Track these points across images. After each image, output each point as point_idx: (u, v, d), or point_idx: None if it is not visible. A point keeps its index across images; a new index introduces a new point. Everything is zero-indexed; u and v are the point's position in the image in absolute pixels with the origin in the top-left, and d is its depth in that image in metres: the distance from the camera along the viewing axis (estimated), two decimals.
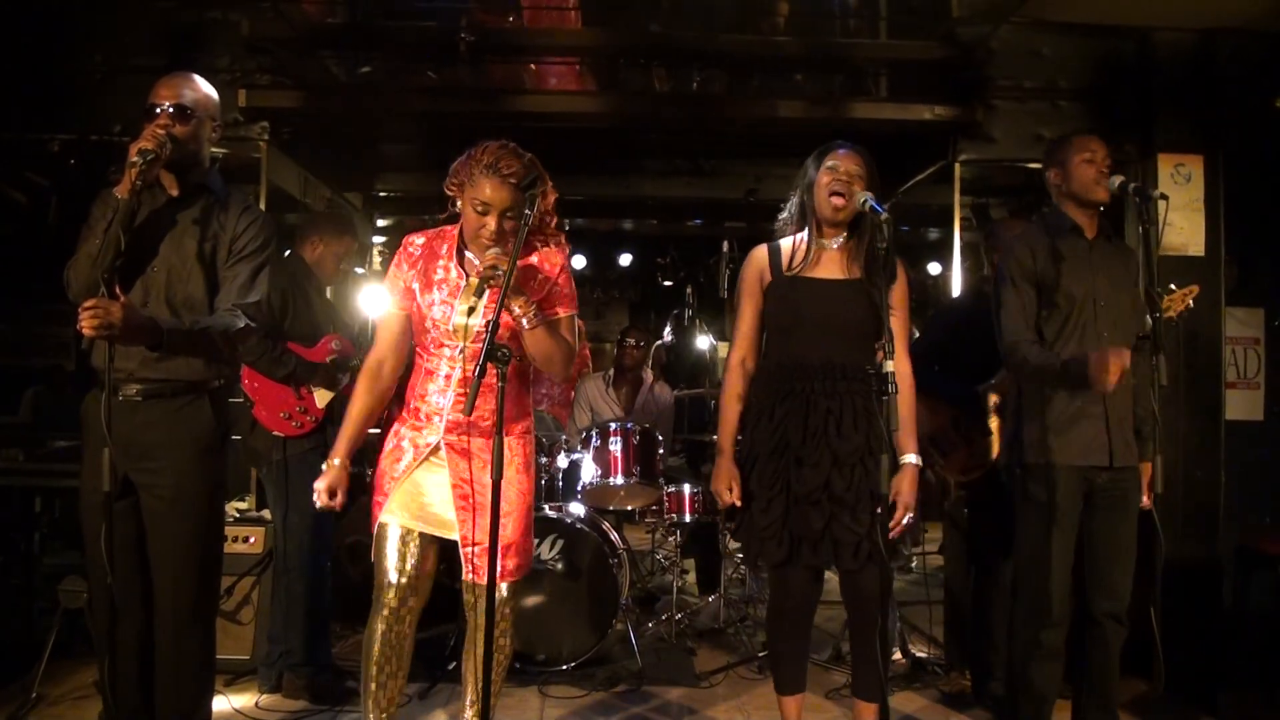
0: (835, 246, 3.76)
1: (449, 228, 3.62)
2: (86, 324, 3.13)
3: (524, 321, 3.32)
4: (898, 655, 5.47)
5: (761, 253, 3.84)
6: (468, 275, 3.50)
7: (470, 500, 3.49)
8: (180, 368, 3.51)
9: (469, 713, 3.61)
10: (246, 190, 5.84)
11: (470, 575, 3.51)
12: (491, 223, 3.34)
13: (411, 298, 3.56)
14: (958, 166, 6.06)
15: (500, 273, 3.17)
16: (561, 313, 3.53)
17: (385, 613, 3.49)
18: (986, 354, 4.34)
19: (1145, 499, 3.96)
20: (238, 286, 3.57)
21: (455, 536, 3.52)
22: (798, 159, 3.83)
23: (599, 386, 7.17)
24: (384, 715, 3.53)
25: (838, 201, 3.62)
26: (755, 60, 6.17)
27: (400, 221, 9.72)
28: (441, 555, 3.61)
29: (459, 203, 3.47)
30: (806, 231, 3.77)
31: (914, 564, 7.50)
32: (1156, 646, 3.66)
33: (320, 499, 3.51)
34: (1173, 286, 4.34)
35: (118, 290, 3.27)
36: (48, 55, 5.76)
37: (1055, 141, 4.25)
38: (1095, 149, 4.04)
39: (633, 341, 7.23)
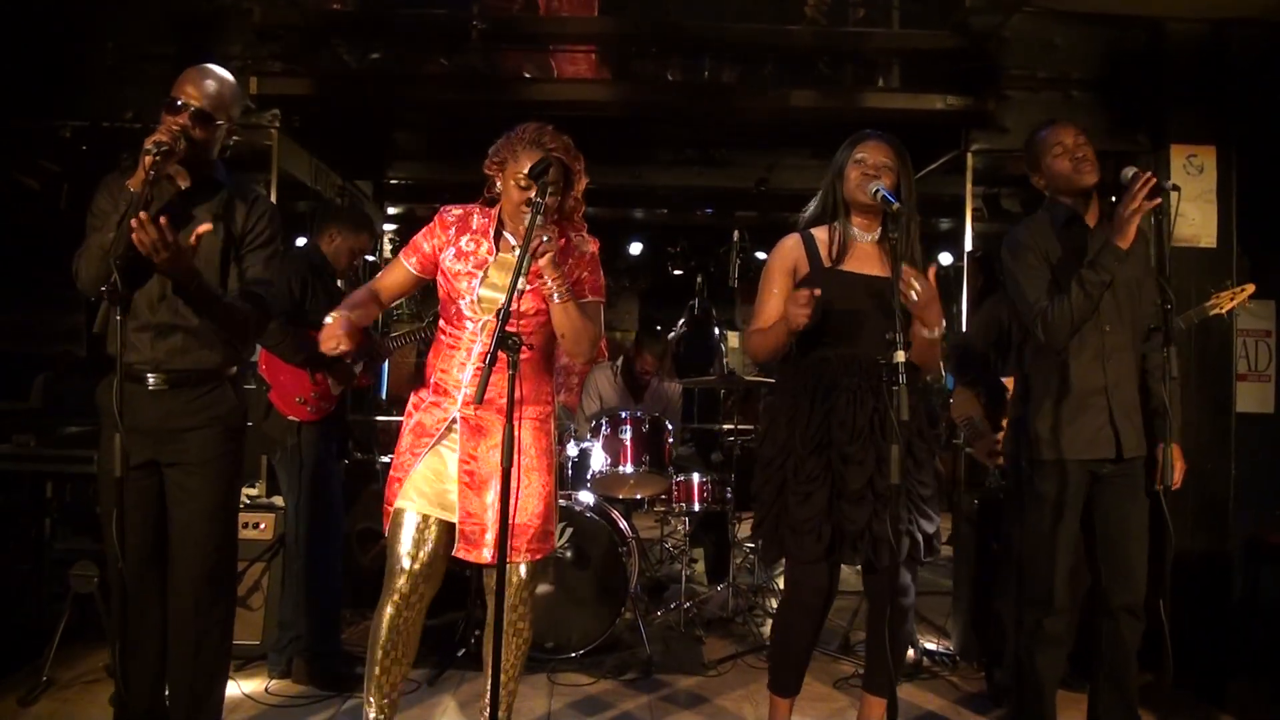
0: (869, 240, 3.74)
1: (489, 208, 3.65)
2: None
3: (555, 296, 3.33)
4: (910, 653, 5.47)
5: (795, 242, 3.77)
6: (498, 252, 3.56)
7: (475, 477, 3.51)
8: (202, 357, 3.54)
9: (489, 696, 3.62)
10: (257, 178, 5.88)
11: (460, 551, 3.53)
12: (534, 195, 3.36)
13: (435, 263, 3.60)
14: (969, 157, 6.05)
15: (549, 240, 3.22)
16: (590, 296, 3.56)
17: (396, 599, 3.52)
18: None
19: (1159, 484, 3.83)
20: (251, 275, 3.58)
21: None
22: (809, 149, 3.83)
23: (608, 376, 7.16)
24: (385, 700, 3.56)
25: (868, 189, 3.57)
26: (767, 50, 6.15)
27: (411, 210, 9.74)
28: (455, 542, 3.64)
29: (497, 184, 3.52)
30: (839, 223, 3.73)
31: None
32: (1165, 638, 3.64)
33: (326, 345, 3.40)
34: (1228, 282, 4.32)
35: (118, 284, 3.27)
36: (60, 42, 5.77)
37: (1026, 145, 4.13)
38: (1062, 138, 3.94)
39: (650, 357, 7.13)
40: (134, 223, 3.09)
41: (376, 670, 3.53)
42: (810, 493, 3.58)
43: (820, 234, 3.76)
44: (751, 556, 6.99)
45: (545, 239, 3.24)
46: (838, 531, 3.57)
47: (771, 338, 3.61)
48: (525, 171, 3.38)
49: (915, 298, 3.39)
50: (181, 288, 3.35)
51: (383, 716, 3.57)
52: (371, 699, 3.55)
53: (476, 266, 3.55)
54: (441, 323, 3.69)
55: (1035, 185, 4.10)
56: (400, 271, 3.70)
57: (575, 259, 3.56)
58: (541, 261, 3.25)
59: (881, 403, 3.57)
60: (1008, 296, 4.14)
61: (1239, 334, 5.77)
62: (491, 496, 3.50)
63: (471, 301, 3.53)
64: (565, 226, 3.60)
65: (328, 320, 3.43)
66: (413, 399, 3.71)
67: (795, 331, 3.46)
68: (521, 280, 3.17)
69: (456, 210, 3.68)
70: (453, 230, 3.62)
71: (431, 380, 3.64)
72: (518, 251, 3.37)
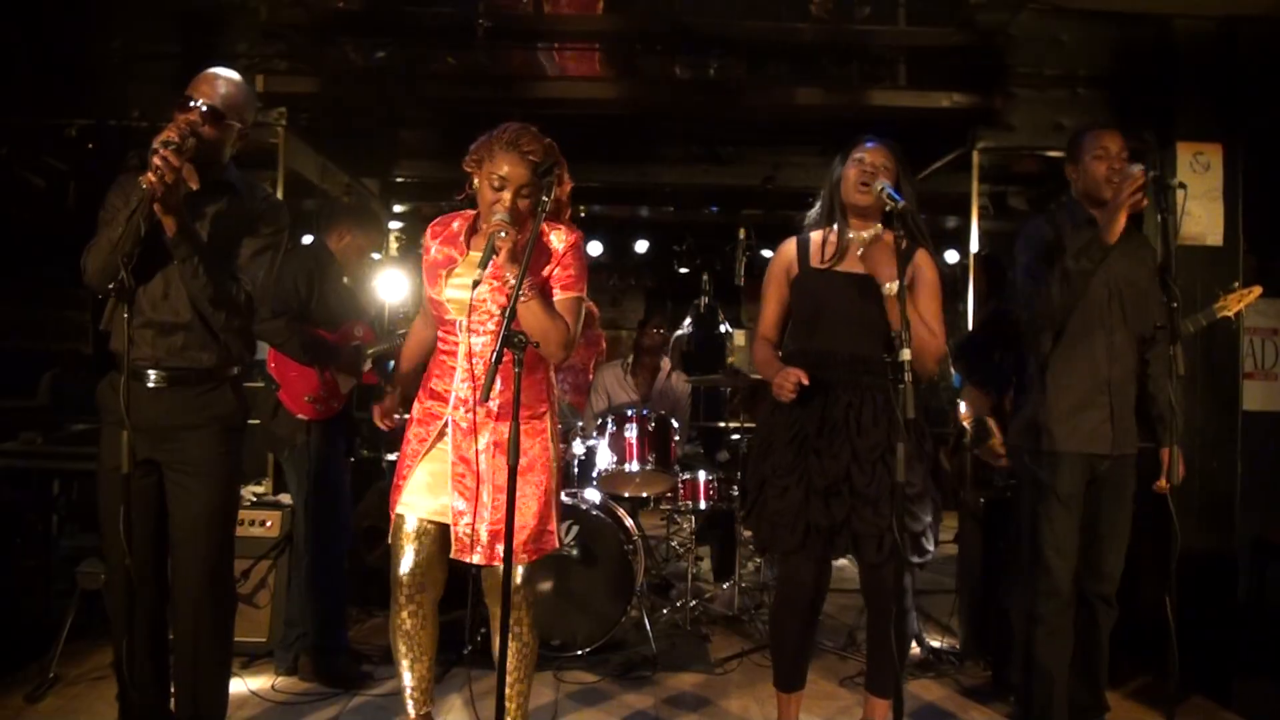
0: (866, 239, 3.78)
1: (470, 211, 3.66)
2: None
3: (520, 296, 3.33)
4: (914, 648, 5.46)
5: (790, 245, 3.89)
6: (469, 251, 3.57)
7: (465, 480, 3.54)
8: (201, 356, 3.54)
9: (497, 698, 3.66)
10: (263, 176, 5.88)
11: (455, 552, 3.56)
12: (507, 197, 3.38)
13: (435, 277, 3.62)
14: (976, 154, 6.05)
15: (504, 236, 3.22)
16: (560, 293, 3.54)
17: (395, 608, 3.62)
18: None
19: (1162, 483, 3.99)
20: (239, 262, 3.58)
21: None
22: (816, 147, 3.86)
23: (617, 374, 7.17)
24: (417, 694, 3.69)
25: (863, 188, 3.66)
26: (773, 47, 6.15)
27: (417, 208, 9.73)
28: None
29: (475, 181, 3.51)
30: (836, 226, 3.80)
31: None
32: (1171, 637, 3.64)
33: (379, 420, 3.72)
34: (1235, 284, 4.33)
35: (127, 281, 3.27)
36: (66, 41, 5.78)
37: (1074, 135, 4.24)
38: (1108, 144, 4.03)
39: (654, 327, 7.21)
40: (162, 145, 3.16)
41: (402, 670, 3.68)
42: (787, 486, 3.67)
43: (816, 236, 3.87)
44: (757, 555, 6.98)
45: (502, 234, 3.24)
46: (812, 526, 3.62)
47: (765, 375, 3.78)
48: (502, 174, 3.39)
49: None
50: (179, 235, 3.32)
51: (418, 706, 3.71)
52: (409, 698, 3.70)
53: (444, 264, 3.58)
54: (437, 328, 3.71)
55: (1067, 175, 4.21)
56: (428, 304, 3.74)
57: (545, 256, 3.54)
58: (499, 258, 3.24)
59: (858, 398, 3.64)
60: (1014, 293, 4.21)
61: (1246, 332, 5.76)
62: (485, 498, 3.53)
63: (442, 303, 3.55)
64: (548, 223, 3.58)
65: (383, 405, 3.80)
66: (415, 405, 3.73)
67: (802, 329, 3.54)
68: (482, 273, 3.22)
69: (441, 220, 3.71)
70: (438, 240, 3.65)
71: (428, 385, 3.67)
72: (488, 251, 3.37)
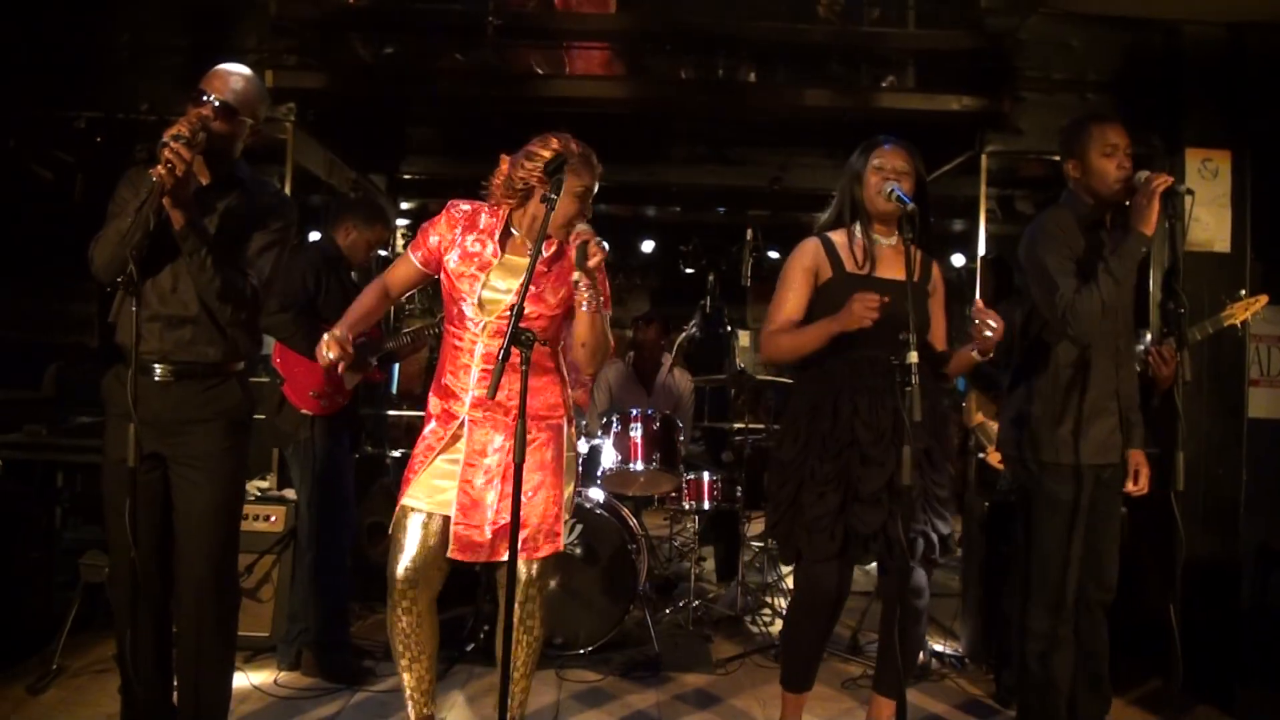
0: (890, 244, 3.77)
1: (495, 206, 3.65)
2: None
3: (585, 304, 3.37)
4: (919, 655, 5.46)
5: (815, 245, 3.80)
6: (504, 254, 3.58)
7: (473, 484, 3.56)
8: (208, 351, 3.53)
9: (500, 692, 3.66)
10: (271, 171, 5.88)
11: (454, 552, 3.56)
12: (589, 209, 3.46)
13: (439, 260, 3.63)
14: (984, 158, 6.05)
15: (605, 246, 3.28)
16: (606, 309, 3.58)
17: (390, 605, 3.61)
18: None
19: (1130, 486, 3.98)
20: (247, 256, 3.57)
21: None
22: (823, 148, 3.85)
23: (619, 369, 7.18)
24: (417, 694, 3.69)
25: (886, 198, 3.62)
26: (782, 48, 6.15)
27: (424, 204, 9.74)
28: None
29: (534, 187, 3.53)
30: (859, 229, 3.77)
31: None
32: (1175, 643, 3.63)
33: (321, 360, 3.52)
34: (1242, 292, 4.30)
35: (134, 273, 3.27)
36: (75, 33, 5.78)
37: (1071, 128, 4.00)
38: (1116, 140, 3.83)
39: (648, 324, 7.23)
40: (173, 136, 3.16)
41: (401, 670, 3.68)
42: (824, 493, 3.62)
43: (838, 238, 3.81)
44: (761, 555, 6.99)
45: (598, 240, 3.28)
46: (850, 531, 3.60)
47: (808, 340, 3.67)
48: (588, 185, 3.49)
49: (990, 335, 3.45)
50: (187, 229, 3.32)
51: (418, 708, 3.70)
52: (409, 699, 3.69)
53: (480, 268, 3.57)
54: (445, 324, 3.71)
55: (1066, 173, 4.00)
56: (407, 267, 3.74)
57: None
58: (592, 262, 3.28)
59: (906, 404, 3.59)
60: (1021, 299, 4.14)
61: (1252, 339, 5.75)
62: (491, 499, 3.55)
63: (473, 304, 3.55)
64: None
65: (325, 337, 3.52)
66: (430, 400, 3.73)
67: (836, 336, 3.52)
68: (579, 275, 3.28)
69: (464, 206, 3.69)
70: (459, 229, 3.64)
71: (442, 381, 3.67)
72: (528, 256, 3.37)
